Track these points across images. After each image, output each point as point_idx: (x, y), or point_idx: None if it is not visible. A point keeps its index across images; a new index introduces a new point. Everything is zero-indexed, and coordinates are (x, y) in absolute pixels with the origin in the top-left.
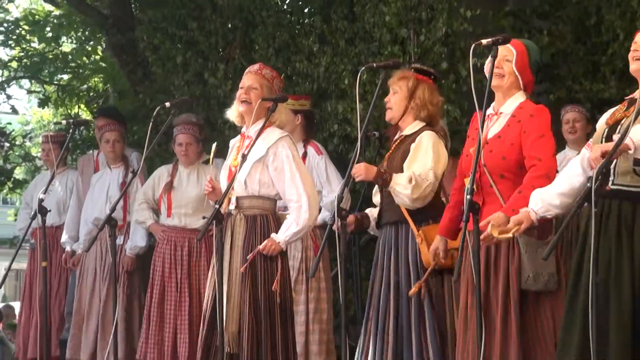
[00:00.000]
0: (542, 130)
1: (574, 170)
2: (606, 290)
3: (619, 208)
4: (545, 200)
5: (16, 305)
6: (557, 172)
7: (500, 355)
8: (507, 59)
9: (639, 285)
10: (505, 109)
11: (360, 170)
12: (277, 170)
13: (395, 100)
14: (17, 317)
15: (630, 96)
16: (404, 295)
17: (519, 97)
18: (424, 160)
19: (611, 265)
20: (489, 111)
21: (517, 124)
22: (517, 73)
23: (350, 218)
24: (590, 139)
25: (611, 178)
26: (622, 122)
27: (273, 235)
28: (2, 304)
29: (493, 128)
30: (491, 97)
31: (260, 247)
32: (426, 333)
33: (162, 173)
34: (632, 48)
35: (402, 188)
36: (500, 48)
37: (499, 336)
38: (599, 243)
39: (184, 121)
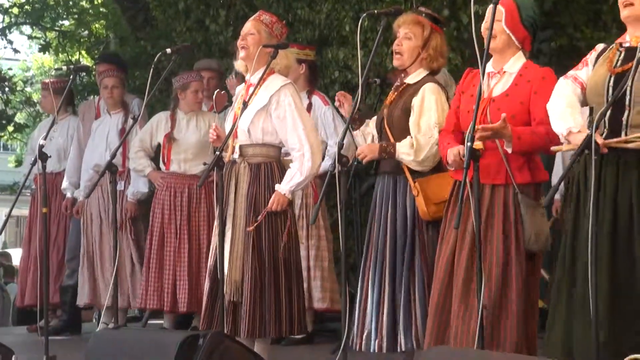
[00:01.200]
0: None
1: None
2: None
3: (638, 165)
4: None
5: (18, 252)
6: None
7: (498, 315)
8: (497, 19)
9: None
10: (510, 67)
11: (364, 152)
12: (280, 118)
13: (408, 46)
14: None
15: (620, 40)
16: (399, 247)
17: (521, 57)
18: (428, 116)
19: (633, 232)
20: (489, 69)
21: (527, 83)
22: (507, 31)
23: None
24: (589, 58)
25: (624, 130)
26: (630, 74)
27: (277, 187)
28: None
29: (498, 86)
30: (489, 55)
31: (269, 206)
32: (415, 284)
33: (160, 119)
34: None
35: (406, 155)
36: (490, 9)
37: (498, 299)
38: (599, 192)
39: (204, 66)
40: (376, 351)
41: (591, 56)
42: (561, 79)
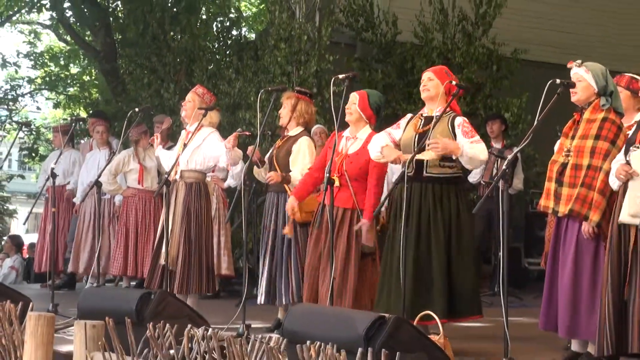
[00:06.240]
0: None
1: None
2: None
3: (432, 188)
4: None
5: (33, 236)
6: None
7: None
8: (353, 102)
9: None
10: (360, 135)
11: (272, 177)
12: (211, 143)
13: (284, 112)
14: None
15: (420, 112)
16: (281, 238)
17: (368, 129)
18: (303, 160)
19: (430, 233)
20: (347, 134)
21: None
22: (359, 111)
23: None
24: (401, 122)
25: (424, 168)
26: (429, 133)
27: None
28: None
29: (352, 147)
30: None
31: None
32: (291, 261)
33: (128, 155)
34: (421, 85)
35: (296, 181)
36: (351, 95)
37: (339, 277)
38: (409, 207)
39: (159, 121)
40: (266, 303)
41: (402, 121)
42: (379, 133)
